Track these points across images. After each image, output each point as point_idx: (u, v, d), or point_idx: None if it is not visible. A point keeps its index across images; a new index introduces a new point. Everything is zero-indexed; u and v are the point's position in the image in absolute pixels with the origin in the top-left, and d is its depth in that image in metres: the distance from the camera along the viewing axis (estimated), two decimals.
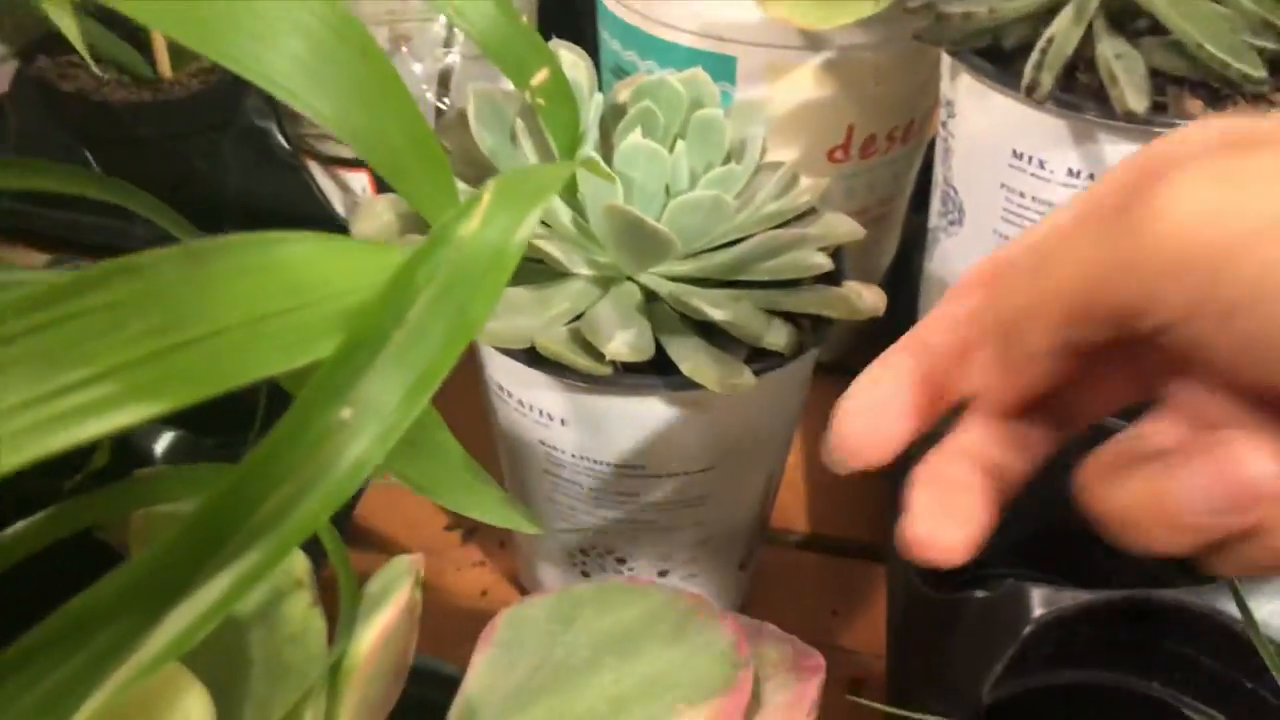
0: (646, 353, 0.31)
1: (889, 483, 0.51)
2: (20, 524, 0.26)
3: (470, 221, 0.21)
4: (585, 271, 0.34)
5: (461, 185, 0.35)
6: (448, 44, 0.53)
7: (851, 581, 0.47)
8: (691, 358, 0.32)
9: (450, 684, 0.26)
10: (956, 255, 0.43)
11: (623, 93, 0.38)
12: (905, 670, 0.39)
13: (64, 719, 0.19)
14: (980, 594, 0.35)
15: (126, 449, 0.36)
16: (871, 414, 0.21)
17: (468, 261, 0.20)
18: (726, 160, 0.35)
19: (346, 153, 0.55)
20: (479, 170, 0.36)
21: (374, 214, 0.35)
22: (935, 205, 0.44)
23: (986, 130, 0.39)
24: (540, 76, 0.31)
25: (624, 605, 0.26)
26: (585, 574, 0.41)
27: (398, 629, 0.24)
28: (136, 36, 0.54)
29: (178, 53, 0.53)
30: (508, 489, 0.41)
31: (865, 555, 0.47)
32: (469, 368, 0.44)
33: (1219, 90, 0.38)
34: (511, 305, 0.33)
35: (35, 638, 0.19)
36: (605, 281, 0.34)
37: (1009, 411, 0.21)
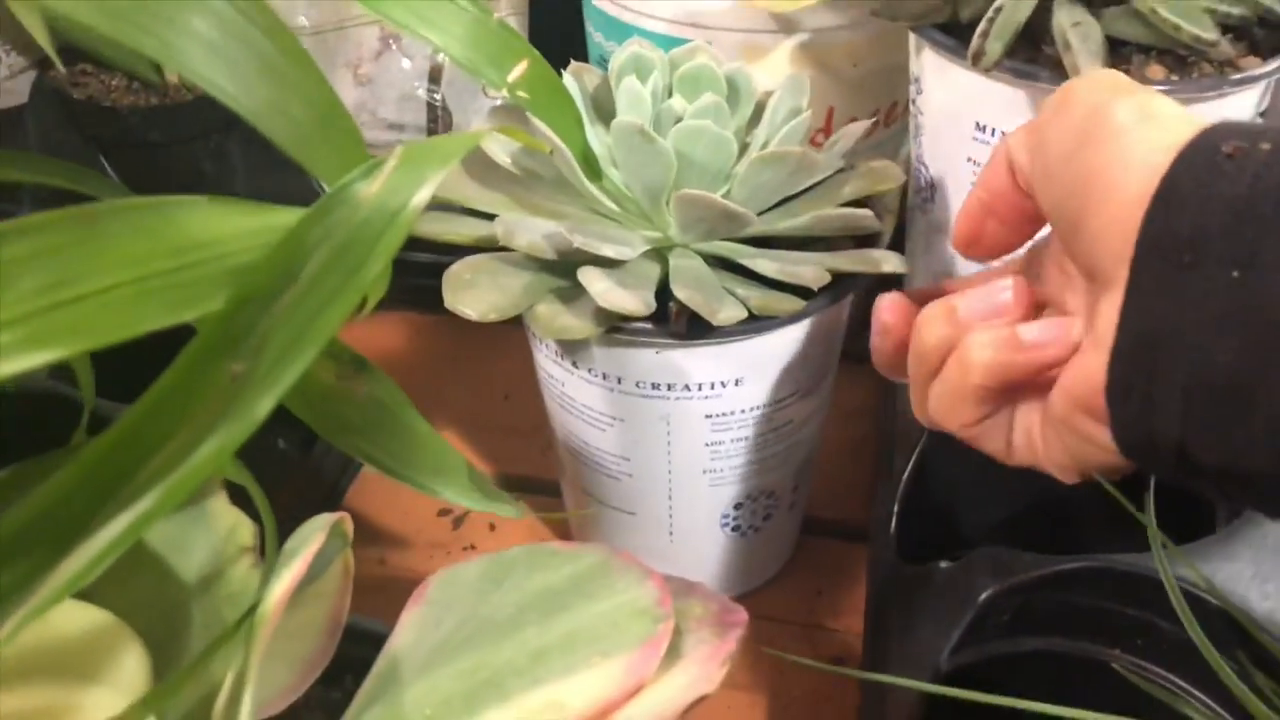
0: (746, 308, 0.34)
1: (875, 466, 0.51)
2: None
3: (372, 184, 0.21)
4: (642, 248, 0.35)
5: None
6: None
7: (839, 563, 0.47)
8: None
9: (382, 642, 0.27)
10: (932, 231, 0.43)
11: (589, 77, 0.39)
12: (878, 642, 0.39)
13: None
14: (944, 564, 0.35)
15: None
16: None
17: (364, 222, 0.21)
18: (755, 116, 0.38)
19: None
20: None
21: None
22: (911, 184, 0.44)
23: (950, 104, 0.39)
24: (517, 70, 0.32)
25: (554, 566, 0.27)
26: (737, 529, 0.43)
27: (324, 586, 0.25)
28: None
29: None
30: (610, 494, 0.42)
31: (851, 537, 0.47)
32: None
33: (1185, 57, 0.37)
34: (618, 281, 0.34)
35: None
36: (659, 253, 0.36)
37: None
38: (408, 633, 0.26)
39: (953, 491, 0.43)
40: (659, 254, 0.36)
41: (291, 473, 0.48)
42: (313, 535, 0.24)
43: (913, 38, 0.40)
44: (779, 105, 0.38)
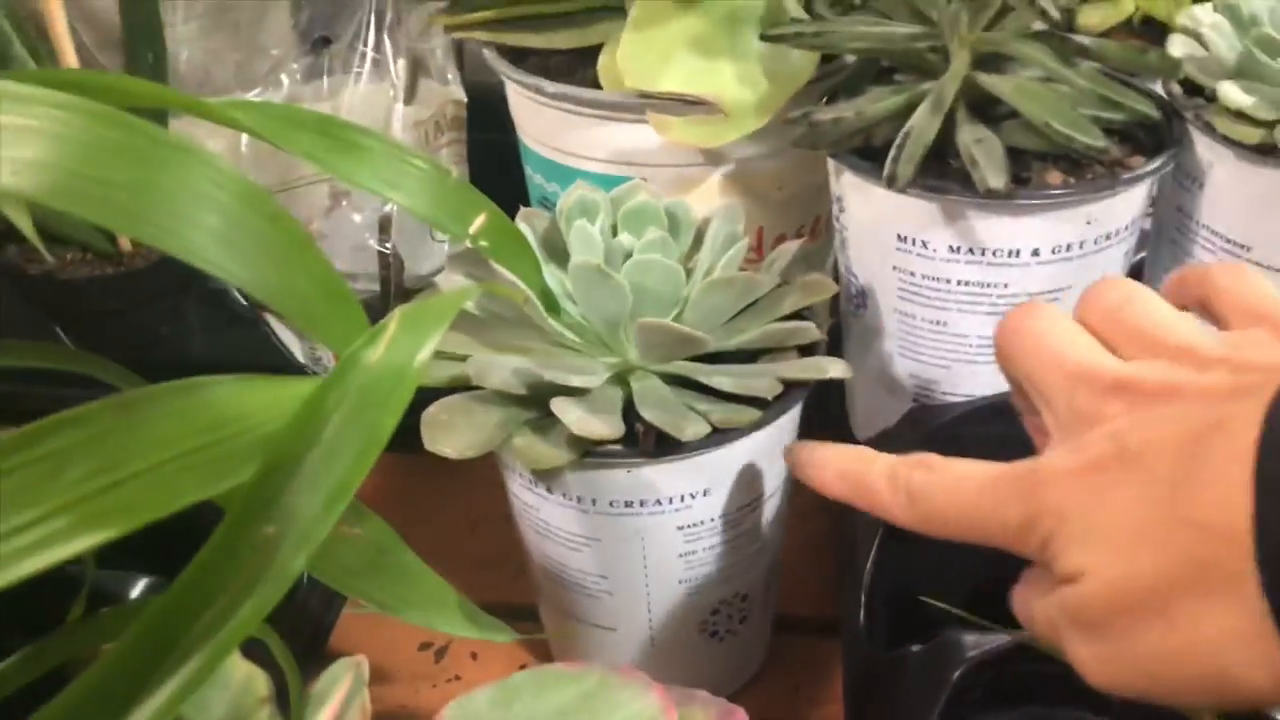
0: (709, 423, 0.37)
1: (838, 561, 0.53)
2: None
3: (377, 348, 0.24)
4: (605, 375, 0.38)
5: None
6: None
7: (812, 657, 0.48)
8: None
9: None
10: (866, 335, 0.46)
11: (538, 221, 0.42)
12: None
13: None
14: (915, 649, 0.37)
15: (102, 598, 0.38)
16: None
17: (374, 383, 0.23)
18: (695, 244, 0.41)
19: None
20: None
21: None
22: (842, 292, 0.47)
23: (872, 219, 0.43)
24: (478, 222, 0.34)
25: (559, 687, 0.29)
26: (715, 634, 0.44)
27: None
28: None
29: None
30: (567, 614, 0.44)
31: (822, 631, 0.49)
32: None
33: (1079, 161, 0.41)
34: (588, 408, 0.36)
35: None
36: (620, 378, 0.39)
37: None
38: None
39: (916, 575, 0.45)
40: (620, 378, 0.39)
41: (279, 615, 0.49)
42: (341, 678, 0.25)
43: (831, 163, 0.44)
44: (718, 232, 0.41)
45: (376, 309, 0.56)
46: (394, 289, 0.55)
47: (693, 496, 0.39)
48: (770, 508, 0.42)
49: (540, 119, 0.50)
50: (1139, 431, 0.23)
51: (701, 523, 0.40)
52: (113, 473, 0.21)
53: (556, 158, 0.50)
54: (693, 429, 0.35)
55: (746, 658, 0.47)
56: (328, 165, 0.31)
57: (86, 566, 0.33)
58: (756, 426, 0.38)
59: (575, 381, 0.36)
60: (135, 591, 0.40)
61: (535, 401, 0.38)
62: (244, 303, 0.57)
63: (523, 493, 0.41)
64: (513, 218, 0.36)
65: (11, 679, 0.28)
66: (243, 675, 0.30)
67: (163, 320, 0.58)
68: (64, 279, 0.56)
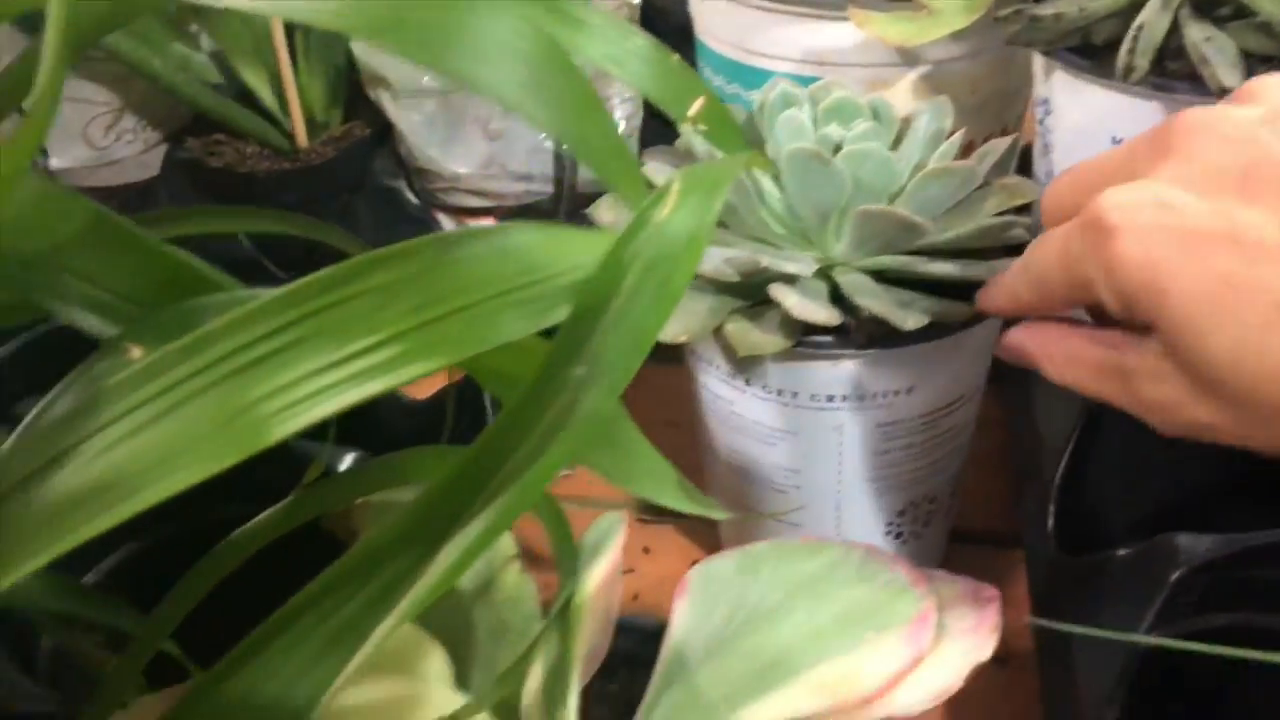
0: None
1: (1016, 474, 0.53)
2: (257, 518, 0.30)
3: (663, 209, 0.24)
4: (814, 266, 0.37)
5: None
6: None
7: (992, 569, 0.48)
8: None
9: (650, 637, 0.29)
10: None
11: (736, 113, 0.41)
12: (1055, 637, 0.40)
13: (357, 645, 0.21)
14: (1123, 552, 0.37)
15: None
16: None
17: (666, 241, 0.23)
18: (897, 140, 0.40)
19: (473, 202, 0.59)
20: None
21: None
22: None
23: (1085, 122, 0.42)
24: (697, 105, 0.34)
25: (805, 557, 0.29)
26: (899, 536, 0.44)
27: (611, 579, 0.27)
28: (271, 115, 0.59)
29: (312, 124, 0.58)
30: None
31: (997, 542, 0.49)
32: None
33: None
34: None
35: (329, 576, 0.22)
36: (824, 273, 0.38)
37: None
38: (682, 626, 0.28)
39: (1104, 488, 0.44)
40: (823, 273, 0.39)
41: None
42: (613, 529, 0.26)
43: (1042, 62, 0.43)
44: (926, 127, 0.40)
45: (549, 210, 0.56)
46: (566, 190, 0.55)
47: (896, 394, 0.39)
48: (969, 410, 0.42)
49: (725, 16, 0.50)
50: None
51: (902, 420, 0.40)
52: (437, 306, 0.21)
53: (741, 58, 0.50)
54: (914, 319, 0.35)
55: (925, 562, 0.47)
56: (557, 37, 0.31)
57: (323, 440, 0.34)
58: (970, 323, 0.37)
59: (790, 268, 0.36)
60: (344, 465, 0.41)
61: (745, 290, 0.38)
62: (415, 201, 0.58)
63: (718, 386, 0.41)
64: None
65: (276, 526, 0.29)
66: None
67: (335, 216, 0.59)
68: (243, 172, 0.57)
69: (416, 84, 0.55)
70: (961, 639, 0.26)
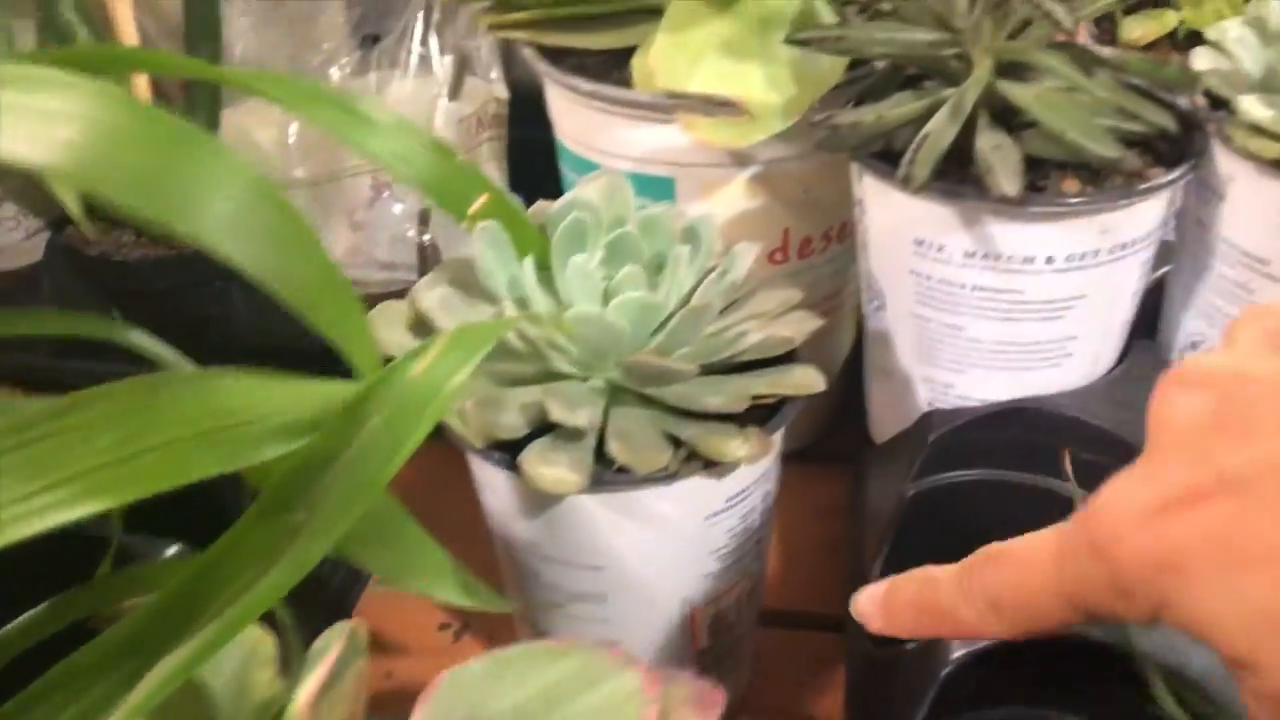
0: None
1: (847, 559, 0.54)
2: (25, 615, 0.31)
3: (422, 362, 0.25)
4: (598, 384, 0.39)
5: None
6: None
7: (816, 652, 0.49)
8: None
9: None
10: (885, 336, 0.47)
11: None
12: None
13: None
14: (910, 645, 0.38)
15: (131, 561, 0.40)
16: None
17: (414, 395, 0.24)
18: (658, 268, 0.40)
19: None
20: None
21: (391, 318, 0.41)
22: (863, 294, 0.48)
23: (891, 223, 0.43)
24: (477, 204, 0.36)
25: (550, 661, 0.30)
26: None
27: (341, 690, 0.27)
28: None
29: None
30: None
31: (827, 627, 0.50)
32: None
33: (1097, 170, 0.42)
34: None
35: (36, 690, 0.23)
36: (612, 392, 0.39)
37: None
38: None
39: None
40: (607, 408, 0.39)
41: (301, 589, 0.51)
42: (334, 641, 0.27)
43: (854, 166, 0.45)
44: (686, 260, 0.40)
45: None
46: None
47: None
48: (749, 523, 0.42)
49: (575, 117, 0.52)
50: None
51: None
52: (135, 443, 0.22)
53: (590, 155, 0.52)
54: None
55: (741, 642, 0.48)
56: (343, 136, 0.33)
57: (113, 528, 0.35)
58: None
59: (577, 421, 0.36)
60: (163, 556, 0.42)
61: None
62: None
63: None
64: None
65: (40, 627, 0.30)
66: (254, 637, 0.31)
67: (211, 302, 0.60)
68: (118, 259, 0.58)
69: (287, 175, 0.57)
70: None
